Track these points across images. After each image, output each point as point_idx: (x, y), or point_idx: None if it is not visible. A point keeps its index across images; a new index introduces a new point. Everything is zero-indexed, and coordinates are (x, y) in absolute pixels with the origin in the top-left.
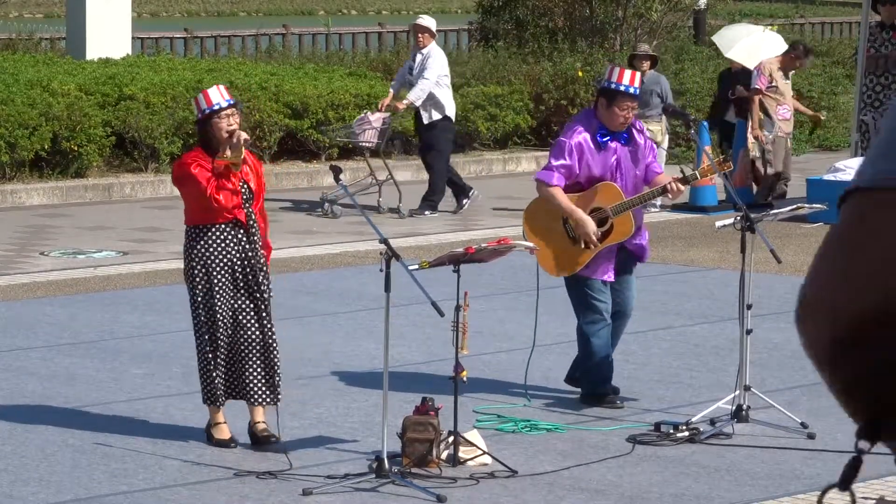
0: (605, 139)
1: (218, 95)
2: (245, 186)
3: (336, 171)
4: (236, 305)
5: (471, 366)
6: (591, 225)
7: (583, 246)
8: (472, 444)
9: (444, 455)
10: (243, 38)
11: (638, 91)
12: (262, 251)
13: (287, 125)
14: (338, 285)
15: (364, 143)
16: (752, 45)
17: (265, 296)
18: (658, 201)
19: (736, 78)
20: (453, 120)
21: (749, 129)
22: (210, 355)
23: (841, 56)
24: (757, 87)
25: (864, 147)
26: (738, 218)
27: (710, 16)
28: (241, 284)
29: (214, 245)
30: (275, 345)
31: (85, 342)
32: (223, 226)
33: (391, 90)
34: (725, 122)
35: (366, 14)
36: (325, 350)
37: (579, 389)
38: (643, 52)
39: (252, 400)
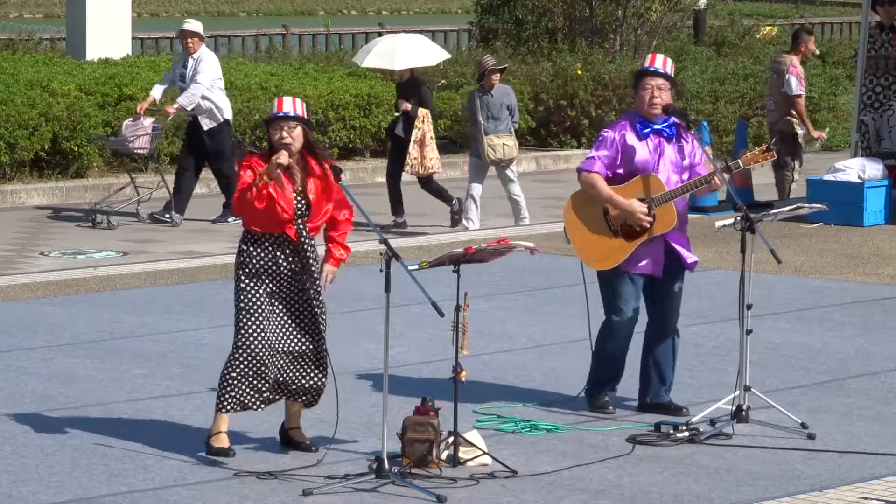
0: (646, 130)
1: (289, 105)
2: (303, 201)
3: (336, 172)
4: (280, 318)
5: (471, 366)
6: (637, 207)
7: (629, 236)
8: (472, 445)
9: (444, 455)
10: (243, 38)
11: (661, 69)
12: (314, 269)
13: None
14: (337, 285)
15: (138, 151)
16: (389, 49)
17: (316, 316)
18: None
19: (402, 89)
20: (231, 122)
21: (808, 131)
22: (235, 362)
23: (841, 56)
24: (801, 92)
25: (864, 147)
26: (738, 218)
27: (711, 16)
28: (287, 298)
29: (260, 257)
30: (308, 359)
31: (85, 342)
32: (271, 237)
33: (152, 95)
34: (395, 135)
35: (366, 14)
36: None
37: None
38: (493, 65)
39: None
